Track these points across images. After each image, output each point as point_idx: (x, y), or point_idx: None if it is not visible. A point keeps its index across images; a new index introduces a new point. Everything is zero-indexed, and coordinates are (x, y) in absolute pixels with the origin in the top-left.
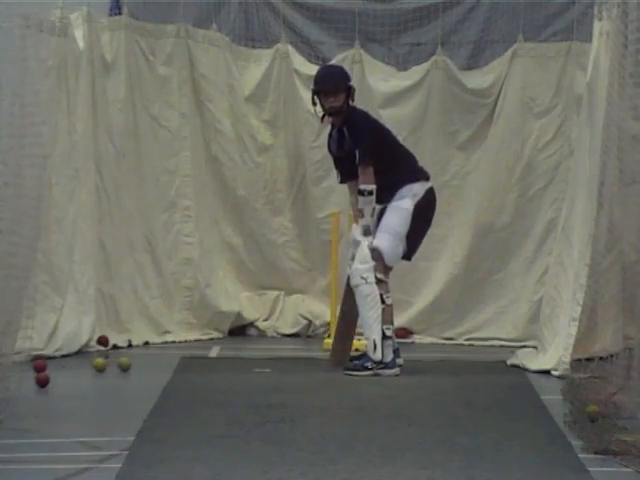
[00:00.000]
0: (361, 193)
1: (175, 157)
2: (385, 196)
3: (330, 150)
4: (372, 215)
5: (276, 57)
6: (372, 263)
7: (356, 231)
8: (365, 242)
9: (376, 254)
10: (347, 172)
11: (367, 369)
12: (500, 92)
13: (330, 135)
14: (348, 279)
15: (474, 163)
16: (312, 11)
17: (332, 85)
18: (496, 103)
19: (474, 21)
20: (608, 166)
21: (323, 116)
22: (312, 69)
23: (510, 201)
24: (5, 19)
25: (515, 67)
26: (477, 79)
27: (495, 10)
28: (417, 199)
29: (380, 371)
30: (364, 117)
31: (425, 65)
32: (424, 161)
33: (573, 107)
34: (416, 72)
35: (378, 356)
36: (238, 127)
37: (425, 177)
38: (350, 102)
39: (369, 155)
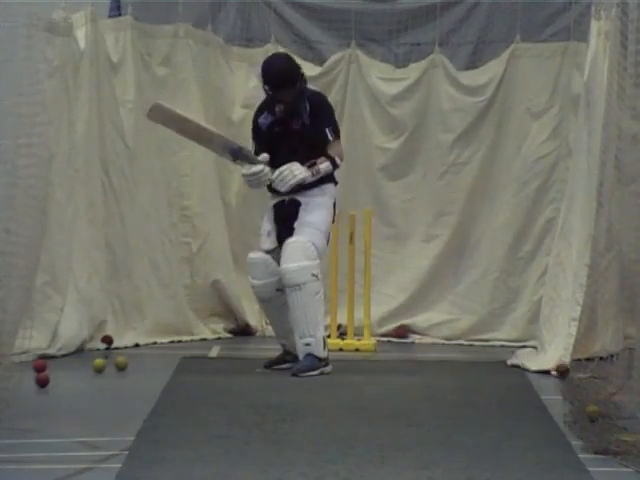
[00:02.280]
0: (336, 167)
1: (174, 157)
2: (302, 186)
3: (260, 127)
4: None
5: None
6: (319, 260)
7: (299, 170)
8: (302, 238)
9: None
10: (267, 150)
11: (317, 368)
12: (497, 92)
13: (259, 113)
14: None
15: (470, 163)
16: (312, 11)
17: (285, 87)
18: (493, 103)
19: (474, 21)
20: (607, 166)
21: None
22: (309, 69)
23: (507, 201)
24: (10, 18)
25: (512, 67)
26: (473, 78)
27: (494, 10)
28: (333, 200)
29: (323, 368)
30: (327, 99)
31: (423, 63)
32: (420, 160)
33: (570, 107)
34: (413, 70)
35: (325, 354)
36: (235, 129)
37: (336, 181)
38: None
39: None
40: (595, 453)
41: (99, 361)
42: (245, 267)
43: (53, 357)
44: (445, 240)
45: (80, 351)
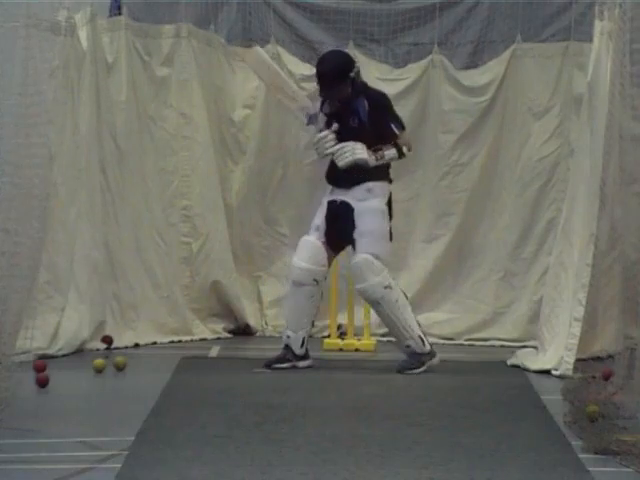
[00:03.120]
0: (402, 155)
1: (174, 157)
2: (351, 181)
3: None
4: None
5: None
6: (385, 269)
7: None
8: (363, 255)
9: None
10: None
11: (420, 364)
12: (498, 92)
13: (311, 116)
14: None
15: (472, 163)
16: (311, 11)
17: (330, 89)
18: (494, 103)
19: (474, 21)
20: (610, 166)
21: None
22: (306, 69)
23: (509, 201)
24: (10, 19)
25: (513, 67)
26: (474, 78)
27: (495, 10)
28: (386, 199)
29: (430, 362)
30: (387, 96)
31: (422, 63)
32: (420, 161)
33: (571, 107)
34: (413, 70)
35: (427, 348)
36: (236, 129)
37: (391, 179)
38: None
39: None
40: (595, 453)
41: (99, 361)
42: (245, 267)
43: (53, 357)
44: (448, 241)
45: (80, 351)
